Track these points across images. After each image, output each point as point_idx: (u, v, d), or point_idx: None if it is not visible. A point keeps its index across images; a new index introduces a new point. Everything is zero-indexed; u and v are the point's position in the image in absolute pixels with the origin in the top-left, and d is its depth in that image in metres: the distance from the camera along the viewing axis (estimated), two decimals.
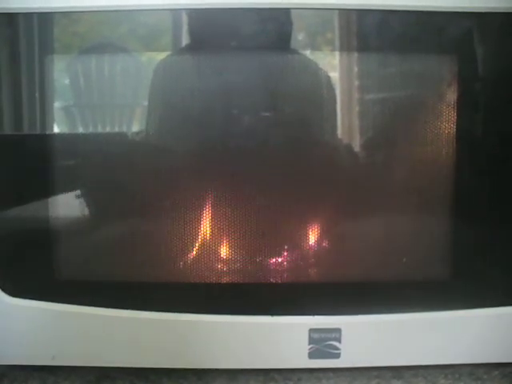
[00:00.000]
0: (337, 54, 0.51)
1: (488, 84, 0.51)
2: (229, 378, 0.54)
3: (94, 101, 0.53)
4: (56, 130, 0.52)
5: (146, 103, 0.53)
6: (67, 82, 0.53)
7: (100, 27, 0.51)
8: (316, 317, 0.52)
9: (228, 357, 0.53)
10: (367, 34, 0.51)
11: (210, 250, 0.53)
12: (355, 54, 0.52)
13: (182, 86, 0.51)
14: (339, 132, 0.54)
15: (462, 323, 0.52)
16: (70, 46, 0.51)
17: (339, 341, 0.52)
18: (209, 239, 0.53)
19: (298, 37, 0.51)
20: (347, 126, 0.54)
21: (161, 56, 0.52)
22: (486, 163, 0.51)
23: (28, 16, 0.50)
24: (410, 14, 0.49)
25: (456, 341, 0.52)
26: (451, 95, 0.51)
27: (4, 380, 0.54)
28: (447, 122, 0.51)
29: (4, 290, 0.52)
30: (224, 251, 0.53)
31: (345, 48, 0.51)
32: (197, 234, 0.53)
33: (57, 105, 0.52)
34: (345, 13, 0.50)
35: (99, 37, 0.51)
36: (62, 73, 0.52)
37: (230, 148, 0.52)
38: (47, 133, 0.52)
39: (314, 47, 0.51)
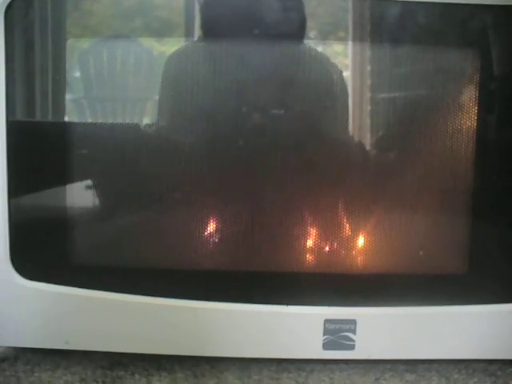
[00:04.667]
0: (355, 47, 0.51)
1: (510, 79, 0.50)
2: (242, 366, 0.54)
3: (109, 92, 0.54)
4: (72, 120, 0.52)
5: (158, 96, 0.53)
6: (82, 73, 0.53)
7: (113, 18, 0.51)
8: (331, 308, 0.51)
9: (241, 346, 0.53)
10: (386, 28, 0.51)
11: (225, 238, 0.53)
12: (373, 49, 0.52)
13: (194, 77, 0.51)
14: (357, 129, 0.53)
15: (477, 318, 0.52)
16: (84, 36, 0.52)
17: (354, 332, 0.51)
18: (223, 228, 0.53)
19: (314, 29, 0.51)
20: (366, 122, 0.53)
21: (173, 48, 0.51)
22: (506, 159, 0.51)
23: (43, 1, 0.50)
24: (432, 6, 0.49)
25: (471, 336, 0.52)
26: (472, 90, 0.51)
27: (17, 362, 0.54)
28: (467, 119, 0.51)
29: (20, 273, 0.52)
30: (239, 240, 0.53)
31: (363, 42, 0.51)
32: (211, 223, 0.53)
33: (74, 95, 0.52)
34: (363, 4, 0.50)
35: (112, 28, 0.51)
36: (76, 64, 0.52)
37: (241, 141, 0.52)
38: (64, 122, 0.52)
39: (331, 39, 0.51)
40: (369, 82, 0.52)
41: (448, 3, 0.49)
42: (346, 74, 0.51)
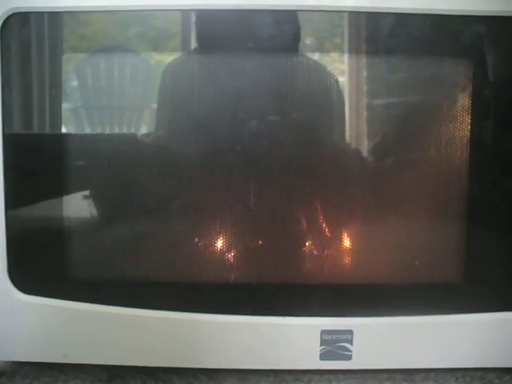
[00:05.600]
0: (349, 57, 0.52)
1: (503, 88, 0.51)
2: (239, 378, 0.54)
3: (106, 102, 0.54)
4: (69, 131, 0.52)
5: (155, 105, 0.53)
6: (79, 83, 0.53)
7: (110, 29, 0.51)
8: (328, 318, 0.52)
9: (239, 357, 0.53)
10: (381, 38, 0.51)
11: (221, 250, 0.53)
12: (368, 58, 0.52)
13: (191, 88, 0.52)
14: (353, 136, 0.54)
15: (474, 327, 0.52)
16: (81, 48, 0.52)
17: (351, 342, 0.52)
18: (220, 239, 0.53)
19: (309, 40, 0.51)
20: (361, 130, 0.54)
21: (169, 58, 0.52)
22: (500, 167, 0.51)
23: (39, 16, 0.50)
24: (424, 17, 0.49)
25: (467, 344, 0.52)
26: (465, 99, 0.51)
27: (15, 377, 0.54)
28: (461, 127, 0.51)
29: (17, 287, 0.52)
30: (236, 252, 0.53)
31: (358, 52, 0.52)
32: (207, 235, 0.54)
33: (71, 106, 0.52)
34: (358, 16, 0.50)
35: (109, 38, 0.52)
36: (73, 74, 0.52)
37: (238, 151, 0.52)
38: (61, 134, 0.52)
39: (327, 50, 0.51)
40: (364, 89, 0.53)
41: (441, 14, 0.49)
42: (342, 81, 0.52)
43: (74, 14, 0.50)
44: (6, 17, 0.49)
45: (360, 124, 0.53)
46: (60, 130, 0.52)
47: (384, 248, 0.54)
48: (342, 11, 0.50)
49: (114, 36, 0.51)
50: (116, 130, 0.54)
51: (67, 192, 0.52)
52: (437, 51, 0.51)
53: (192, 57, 0.51)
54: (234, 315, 0.52)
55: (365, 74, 0.52)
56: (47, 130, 0.53)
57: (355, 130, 0.54)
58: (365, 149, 0.54)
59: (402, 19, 0.50)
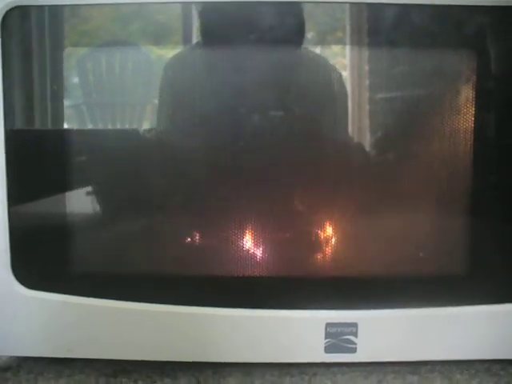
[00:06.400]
0: (351, 50, 0.51)
1: (507, 80, 0.50)
2: (244, 371, 0.54)
3: (108, 98, 0.54)
4: (71, 126, 0.52)
5: (157, 100, 0.53)
6: (81, 78, 0.53)
7: (111, 23, 0.51)
8: (333, 311, 0.52)
9: (244, 351, 0.53)
10: (382, 30, 0.51)
11: (225, 243, 0.53)
12: (370, 51, 0.52)
13: (193, 82, 0.51)
14: (356, 130, 0.54)
15: (479, 319, 0.52)
16: (82, 43, 0.52)
17: (356, 335, 0.51)
18: (223, 233, 0.53)
19: (311, 33, 0.51)
20: (364, 123, 0.54)
21: (171, 53, 0.52)
22: (504, 159, 0.51)
23: (39, 10, 0.50)
24: (427, 8, 0.49)
25: (473, 336, 0.52)
26: (469, 91, 0.51)
27: (20, 371, 0.54)
28: (465, 119, 0.51)
29: (21, 282, 0.52)
30: (240, 245, 0.53)
31: (360, 45, 0.51)
32: (212, 229, 0.54)
33: (72, 101, 0.52)
34: (360, 7, 0.50)
35: (110, 33, 0.51)
36: (75, 69, 0.52)
37: (240, 145, 0.52)
38: (63, 129, 0.52)
39: (328, 43, 0.51)
40: (367, 82, 0.52)
41: (444, 5, 0.49)
42: (344, 74, 0.51)
43: (74, 9, 0.50)
44: (6, 10, 0.49)
45: (363, 117, 0.53)
46: (62, 125, 0.52)
47: (389, 241, 0.53)
48: (343, 3, 0.49)
49: (115, 31, 0.51)
50: (118, 126, 0.54)
51: (70, 188, 0.52)
52: (440, 43, 0.51)
53: (194, 51, 0.51)
54: (239, 309, 0.52)
55: (367, 67, 0.52)
56: (49, 126, 0.53)
57: (358, 124, 0.53)
58: (368, 142, 0.53)
59: (404, 10, 0.49)
